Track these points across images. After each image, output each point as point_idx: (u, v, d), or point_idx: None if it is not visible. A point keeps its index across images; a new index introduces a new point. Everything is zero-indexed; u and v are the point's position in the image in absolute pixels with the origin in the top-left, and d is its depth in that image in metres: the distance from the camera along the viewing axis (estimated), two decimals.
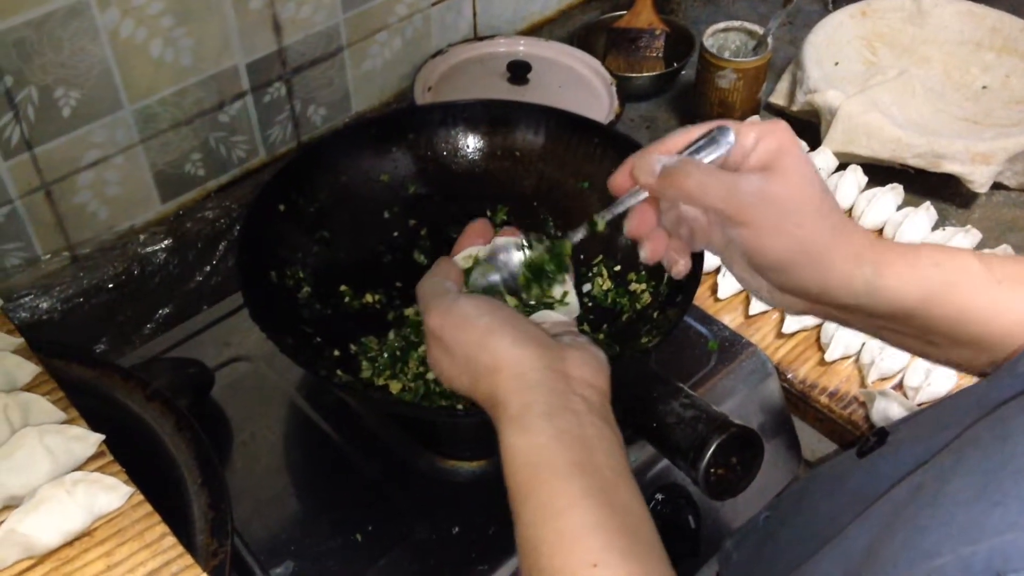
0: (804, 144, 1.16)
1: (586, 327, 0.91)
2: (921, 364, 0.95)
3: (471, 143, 0.98)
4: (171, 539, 0.62)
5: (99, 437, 0.65)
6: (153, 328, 1.03)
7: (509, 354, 0.57)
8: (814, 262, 0.56)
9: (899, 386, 0.95)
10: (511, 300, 0.72)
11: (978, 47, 1.28)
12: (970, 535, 0.37)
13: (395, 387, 0.84)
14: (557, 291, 0.72)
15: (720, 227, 0.58)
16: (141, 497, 0.64)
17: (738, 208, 0.55)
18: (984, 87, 1.25)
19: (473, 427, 0.87)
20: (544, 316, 0.68)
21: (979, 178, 1.11)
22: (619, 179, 0.61)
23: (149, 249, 1.03)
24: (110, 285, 1.00)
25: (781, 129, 0.56)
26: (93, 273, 0.99)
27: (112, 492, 0.62)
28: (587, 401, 0.55)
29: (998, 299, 0.56)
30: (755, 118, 1.21)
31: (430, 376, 0.85)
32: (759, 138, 0.56)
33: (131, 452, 0.67)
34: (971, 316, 0.56)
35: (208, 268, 1.07)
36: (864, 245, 0.56)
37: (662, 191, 0.57)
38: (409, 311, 0.93)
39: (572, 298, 0.71)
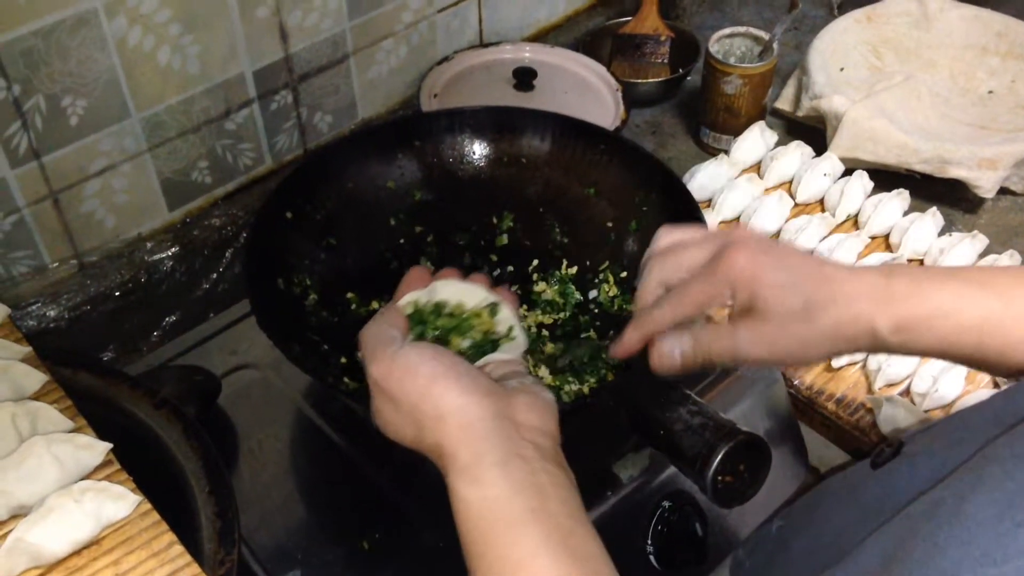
0: (809, 149, 1.17)
1: (592, 334, 0.91)
2: (928, 371, 0.95)
3: (477, 149, 0.98)
4: (178, 548, 0.62)
5: (107, 446, 0.65)
6: (160, 336, 1.03)
7: (455, 403, 0.56)
8: (818, 347, 0.59)
9: (906, 392, 0.95)
10: (457, 341, 0.69)
11: (984, 52, 1.28)
12: (992, 557, 0.37)
13: None
14: (502, 326, 0.69)
15: None
16: (149, 506, 0.64)
17: (745, 354, 0.60)
18: (990, 92, 1.25)
19: None
20: (487, 359, 0.66)
21: (985, 183, 1.11)
22: (627, 346, 0.66)
23: (156, 257, 1.03)
24: (117, 293, 1.01)
25: (745, 266, 0.59)
26: (100, 281, 1.00)
27: (120, 501, 0.62)
28: (538, 447, 0.55)
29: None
30: (758, 124, 1.21)
31: None
32: (734, 289, 0.60)
33: (139, 460, 0.67)
34: (1007, 355, 0.56)
35: (215, 276, 1.07)
36: (872, 300, 0.57)
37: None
38: None
39: (518, 332, 0.69)
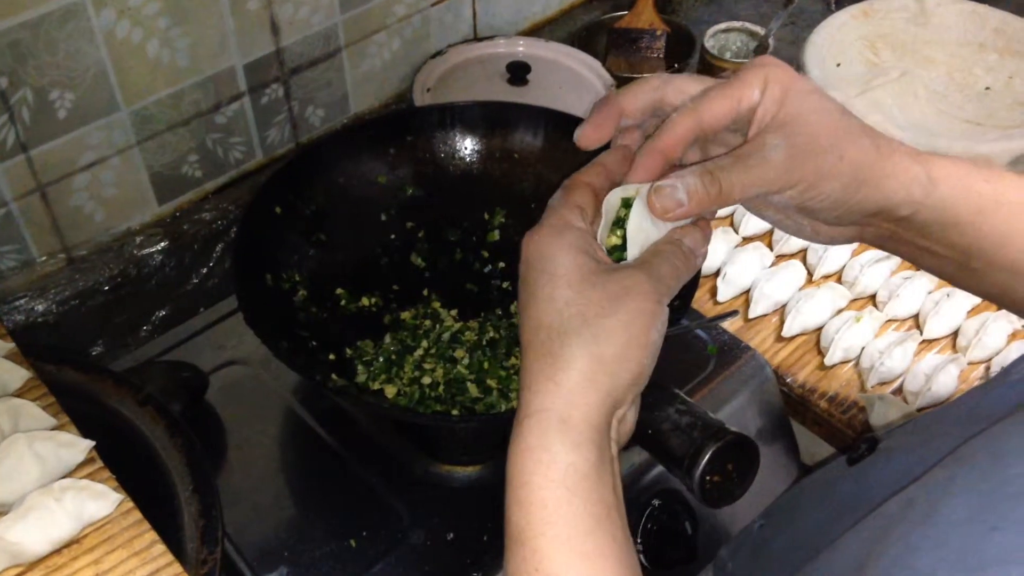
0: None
1: None
2: (922, 369, 0.94)
3: (469, 145, 0.98)
4: (160, 547, 0.61)
5: (89, 443, 0.65)
6: (149, 330, 1.03)
7: (619, 381, 0.49)
8: (870, 182, 0.53)
9: (899, 391, 0.94)
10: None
11: (981, 48, 1.27)
12: (968, 562, 0.37)
13: (390, 391, 0.84)
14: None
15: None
16: (131, 504, 0.63)
17: (780, 181, 0.51)
18: (987, 88, 1.24)
19: (469, 432, 0.87)
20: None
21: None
22: (591, 133, 0.57)
23: (145, 251, 1.02)
24: (106, 287, 1.00)
25: (778, 69, 0.53)
26: (89, 275, 0.99)
27: (101, 499, 0.62)
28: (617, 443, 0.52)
29: None
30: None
31: (425, 381, 0.84)
32: (763, 89, 0.53)
33: (122, 458, 0.67)
34: (1016, 238, 0.54)
35: (205, 270, 1.06)
36: (911, 152, 0.54)
37: (701, 212, 0.52)
38: (406, 314, 0.92)
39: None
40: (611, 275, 0.49)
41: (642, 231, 0.52)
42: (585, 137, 0.56)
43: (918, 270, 1.03)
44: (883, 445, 0.56)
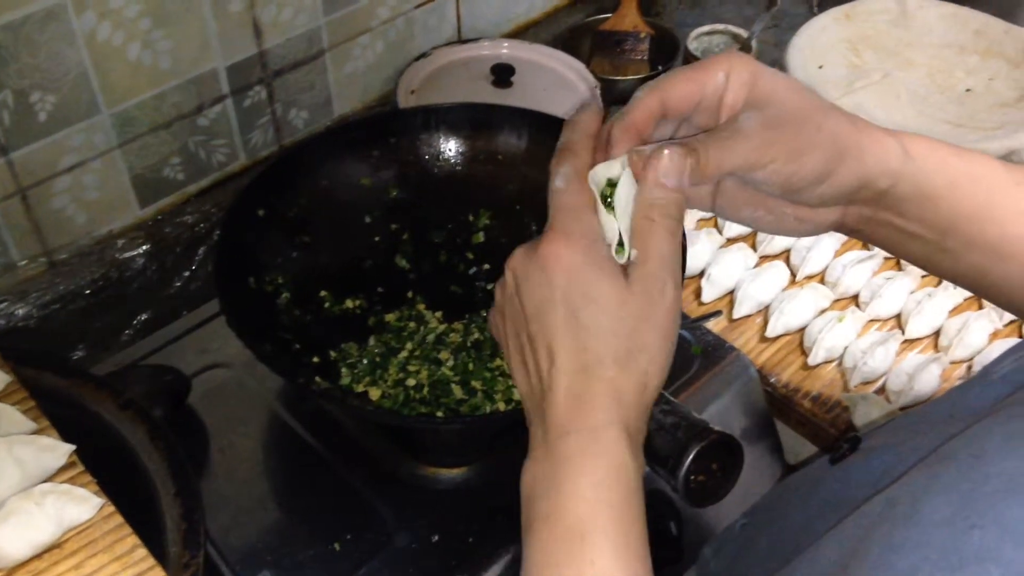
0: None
1: None
2: (904, 368, 0.95)
3: (453, 147, 0.98)
4: (142, 551, 0.61)
5: (69, 448, 0.64)
6: (131, 334, 1.02)
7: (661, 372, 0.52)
8: (850, 152, 0.53)
9: (881, 390, 0.95)
10: None
11: (962, 50, 1.28)
12: (949, 560, 0.37)
13: (375, 394, 0.84)
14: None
15: (736, 179, 0.55)
16: (112, 508, 0.63)
17: (757, 153, 0.51)
18: (968, 90, 1.25)
19: (454, 434, 0.87)
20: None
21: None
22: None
23: (127, 254, 1.02)
24: (87, 291, 0.99)
25: (743, 57, 0.54)
26: (70, 279, 0.98)
27: (83, 504, 0.61)
28: None
29: (1017, 201, 0.55)
30: None
31: (410, 383, 0.84)
32: (728, 72, 0.53)
33: (104, 462, 0.66)
34: (990, 214, 0.55)
35: (187, 273, 1.06)
36: (882, 128, 0.55)
37: (679, 182, 0.52)
38: (390, 316, 0.92)
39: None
40: (640, 295, 0.50)
41: (630, 206, 0.53)
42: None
43: (900, 270, 1.04)
44: (865, 444, 0.56)
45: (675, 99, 0.54)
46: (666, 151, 0.51)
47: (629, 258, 0.51)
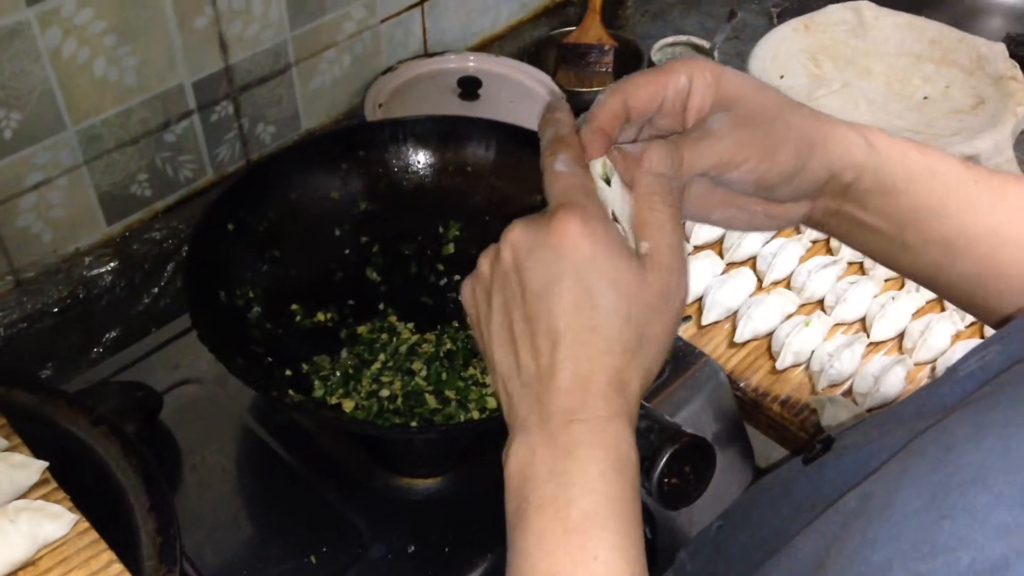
0: None
1: None
2: (870, 371, 0.96)
3: (422, 159, 0.98)
4: (118, 566, 0.60)
5: (42, 464, 0.64)
6: (100, 352, 1.01)
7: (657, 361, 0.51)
8: (819, 145, 0.54)
9: (848, 392, 0.96)
10: None
11: (918, 59, 1.31)
12: (921, 551, 0.37)
13: (348, 405, 0.84)
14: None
15: (707, 182, 0.55)
16: (87, 524, 0.62)
17: (730, 152, 0.52)
18: (925, 98, 1.28)
19: (428, 444, 0.87)
20: None
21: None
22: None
23: (95, 272, 1.01)
24: (55, 309, 0.99)
25: (705, 61, 0.55)
26: (37, 297, 0.97)
27: (57, 520, 0.61)
28: None
29: (974, 198, 0.56)
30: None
31: (383, 394, 0.84)
32: (690, 76, 0.53)
33: (77, 479, 0.66)
34: (948, 210, 0.56)
35: (156, 290, 1.05)
36: (846, 122, 0.56)
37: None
38: (362, 328, 0.92)
39: None
40: (656, 284, 0.49)
41: (627, 204, 0.52)
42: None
43: (864, 274, 1.06)
44: (837, 444, 0.57)
45: (637, 101, 0.54)
46: (656, 143, 0.51)
47: (638, 251, 0.50)
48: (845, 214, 0.58)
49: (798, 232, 1.12)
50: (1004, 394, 0.42)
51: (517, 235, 0.50)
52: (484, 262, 0.52)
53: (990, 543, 0.35)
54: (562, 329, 0.47)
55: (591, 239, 0.47)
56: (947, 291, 0.60)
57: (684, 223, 0.61)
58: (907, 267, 0.60)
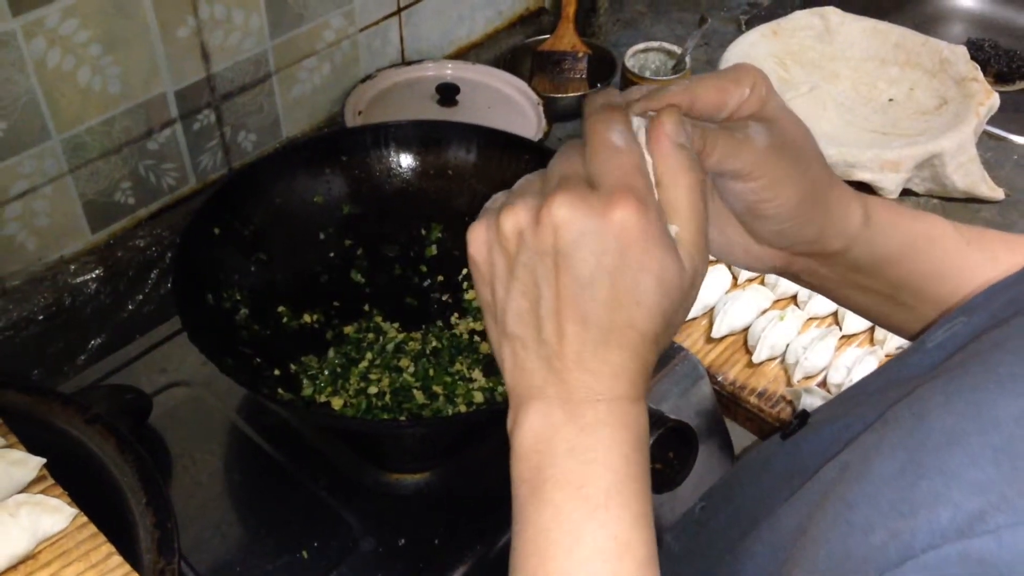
0: None
1: None
2: (843, 362, 0.99)
3: (404, 162, 1.00)
4: (117, 558, 0.61)
5: (40, 460, 0.65)
6: (86, 359, 1.02)
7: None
8: (821, 203, 0.54)
9: (823, 383, 0.99)
10: None
11: (883, 62, 1.34)
12: (900, 510, 0.39)
13: (337, 403, 0.85)
14: None
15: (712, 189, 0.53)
16: (85, 519, 0.63)
17: (754, 164, 0.51)
18: (891, 100, 1.32)
19: (417, 438, 0.88)
20: None
21: (889, 185, 1.16)
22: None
23: (80, 279, 1.02)
24: (40, 317, 0.99)
25: (763, 73, 0.53)
26: (23, 305, 0.98)
27: (56, 514, 0.62)
28: None
29: (969, 259, 0.58)
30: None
31: (372, 391, 0.86)
32: (752, 87, 0.52)
33: (73, 477, 0.67)
34: (945, 273, 0.57)
35: (140, 297, 1.06)
36: (850, 189, 0.56)
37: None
38: (349, 328, 0.94)
39: None
40: (690, 271, 0.47)
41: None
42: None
43: None
44: (813, 419, 0.59)
45: (703, 105, 0.52)
46: (664, 110, 0.49)
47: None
48: (827, 276, 0.58)
49: None
50: (973, 362, 0.44)
51: (564, 215, 0.45)
52: (508, 223, 0.47)
53: (967, 499, 0.37)
54: (599, 322, 0.46)
55: (646, 234, 0.45)
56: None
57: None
58: (900, 324, 0.61)
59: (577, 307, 0.46)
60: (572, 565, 0.45)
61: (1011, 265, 0.58)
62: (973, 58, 1.29)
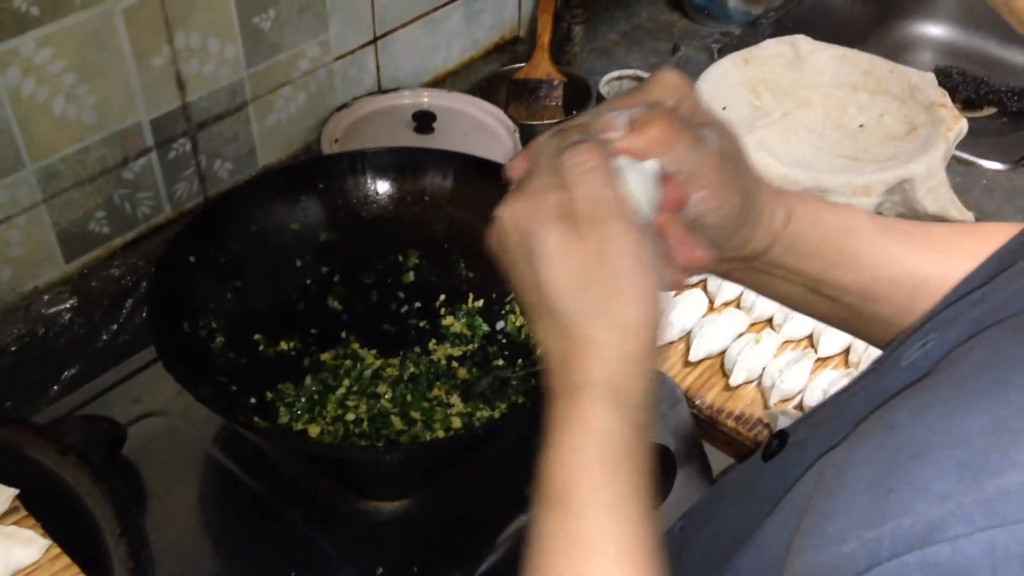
0: None
1: (501, 362, 0.93)
2: (819, 384, 1.00)
3: (380, 189, 1.00)
4: None
5: (12, 492, 0.64)
6: (59, 390, 1.01)
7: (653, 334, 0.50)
8: (755, 203, 0.55)
9: (799, 406, 1.00)
10: None
11: (853, 89, 1.37)
12: (870, 520, 0.40)
13: (314, 430, 0.85)
14: None
15: None
16: (59, 550, 0.63)
17: (706, 172, 0.52)
18: (861, 126, 1.34)
19: (395, 465, 0.88)
20: None
21: (860, 209, 1.18)
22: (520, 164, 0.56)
23: (53, 309, 1.01)
24: (13, 348, 0.98)
25: (686, 83, 0.55)
26: None
27: (29, 545, 0.61)
28: None
29: (886, 246, 0.60)
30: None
31: (349, 417, 0.86)
32: (681, 97, 0.54)
33: (47, 508, 0.66)
34: (864, 262, 0.59)
35: (115, 327, 1.05)
36: (771, 187, 0.58)
37: (631, 146, 0.51)
38: (326, 356, 0.94)
39: None
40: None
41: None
42: (514, 168, 0.57)
43: None
44: (792, 439, 0.60)
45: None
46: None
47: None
48: (755, 272, 0.60)
49: None
50: (942, 376, 0.45)
51: (552, 251, 0.49)
52: (509, 236, 0.52)
53: (929, 508, 0.38)
54: (541, 312, 0.49)
55: (637, 262, 0.48)
56: (860, 331, 0.64)
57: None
58: (823, 314, 0.63)
59: (539, 305, 0.50)
60: None
61: (927, 247, 0.60)
62: (941, 85, 1.31)
